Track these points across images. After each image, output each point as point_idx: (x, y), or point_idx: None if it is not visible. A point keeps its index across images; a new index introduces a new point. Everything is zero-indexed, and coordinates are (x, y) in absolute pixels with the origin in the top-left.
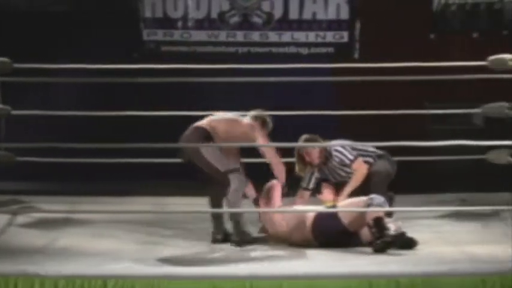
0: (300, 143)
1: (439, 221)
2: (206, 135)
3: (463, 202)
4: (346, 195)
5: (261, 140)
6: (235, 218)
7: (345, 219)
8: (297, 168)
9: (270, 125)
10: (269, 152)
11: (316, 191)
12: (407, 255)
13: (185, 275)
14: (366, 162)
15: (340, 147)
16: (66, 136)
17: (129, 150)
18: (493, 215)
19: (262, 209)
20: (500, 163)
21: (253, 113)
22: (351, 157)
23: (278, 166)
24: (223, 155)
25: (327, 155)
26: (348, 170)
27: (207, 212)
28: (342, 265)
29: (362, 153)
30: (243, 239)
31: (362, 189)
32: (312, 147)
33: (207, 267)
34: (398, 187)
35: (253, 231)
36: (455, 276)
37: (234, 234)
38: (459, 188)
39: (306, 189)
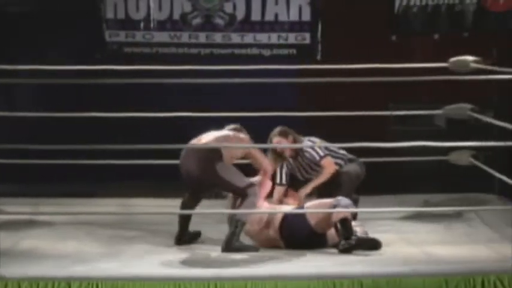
0: (275, 144)
1: (402, 222)
2: (220, 155)
3: (426, 203)
4: (309, 190)
5: (257, 153)
6: (234, 228)
7: (312, 220)
8: (270, 159)
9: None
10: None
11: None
12: (371, 256)
13: (150, 277)
14: (336, 163)
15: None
16: (28, 137)
17: (93, 152)
18: (456, 216)
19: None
20: (462, 164)
21: (231, 126)
22: (322, 154)
23: (266, 183)
24: (238, 171)
25: (297, 149)
26: (316, 168)
27: (172, 213)
28: (307, 266)
29: (333, 155)
30: (230, 246)
31: (330, 191)
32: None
33: (172, 269)
34: (361, 188)
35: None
36: (418, 276)
37: (225, 240)
38: (422, 189)
39: (280, 184)
